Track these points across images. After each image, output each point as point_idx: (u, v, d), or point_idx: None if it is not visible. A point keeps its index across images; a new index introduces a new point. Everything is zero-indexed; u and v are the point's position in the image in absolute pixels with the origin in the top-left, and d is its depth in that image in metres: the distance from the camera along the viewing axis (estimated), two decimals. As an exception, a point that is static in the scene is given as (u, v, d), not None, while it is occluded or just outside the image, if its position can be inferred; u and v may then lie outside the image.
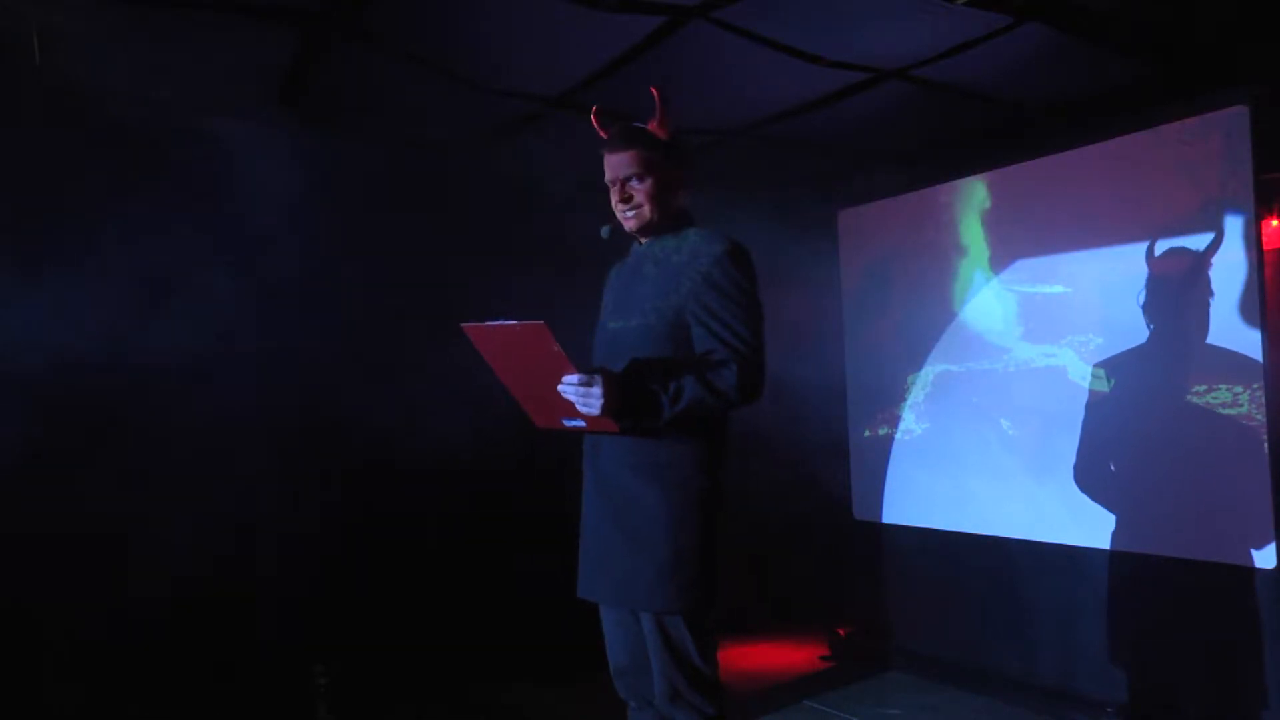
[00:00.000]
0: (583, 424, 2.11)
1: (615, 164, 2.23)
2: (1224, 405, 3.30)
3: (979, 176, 4.07)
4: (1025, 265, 3.92)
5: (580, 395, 2.03)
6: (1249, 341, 3.24)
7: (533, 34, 3.00)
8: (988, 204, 4.06)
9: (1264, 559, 3.19)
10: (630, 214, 2.23)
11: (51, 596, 3.27)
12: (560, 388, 2.04)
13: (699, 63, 3.21)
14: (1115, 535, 3.61)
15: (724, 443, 2.25)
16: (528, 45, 3.10)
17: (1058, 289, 3.80)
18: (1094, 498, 3.68)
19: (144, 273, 3.36)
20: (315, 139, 3.75)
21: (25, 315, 3.17)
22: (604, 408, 2.02)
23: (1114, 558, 3.61)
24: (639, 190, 2.21)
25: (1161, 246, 3.46)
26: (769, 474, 5.09)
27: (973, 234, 4.11)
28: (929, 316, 4.29)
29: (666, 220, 2.26)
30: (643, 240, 2.32)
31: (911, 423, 4.40)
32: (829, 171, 4.62)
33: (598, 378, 2.02)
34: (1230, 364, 3.28)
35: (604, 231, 2.32)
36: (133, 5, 2.71)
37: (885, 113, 3.72)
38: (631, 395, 2.06)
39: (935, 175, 4.25)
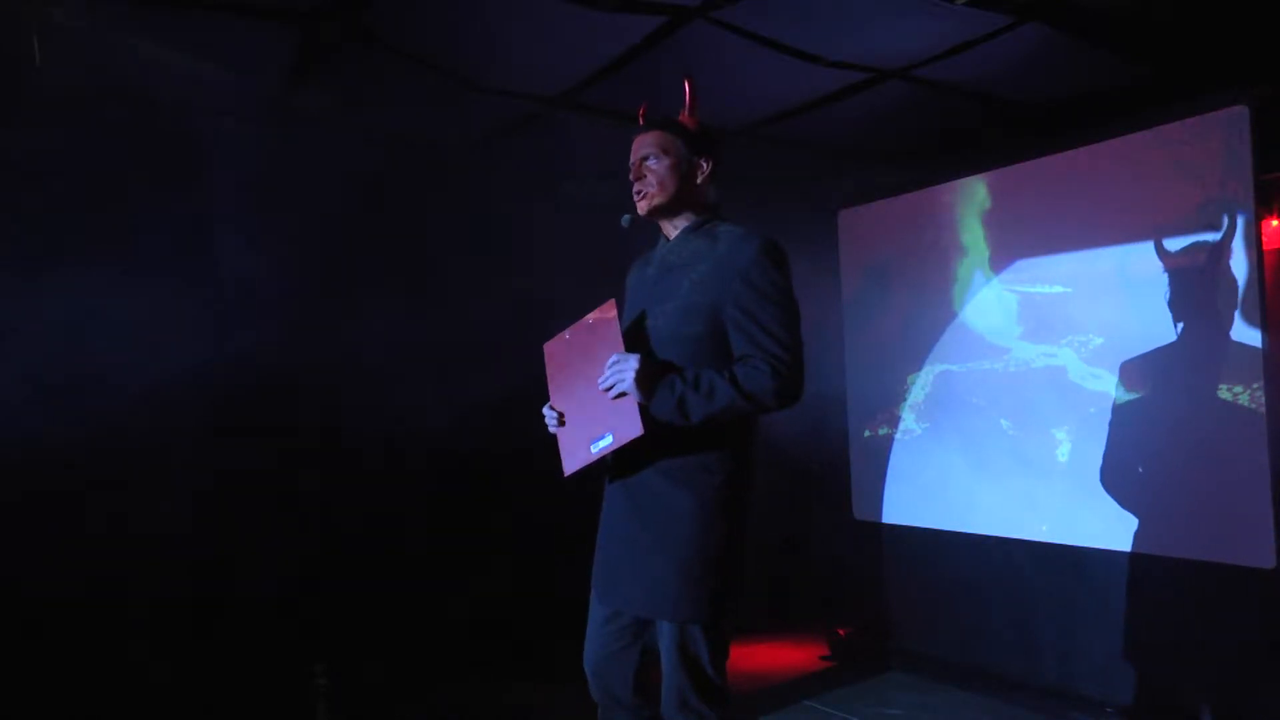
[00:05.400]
0: (610, 438, 2.06)
1: (636, 144, 2.21)
2: (1224, 405, 3.30)
3: (979, 176, 4.07)
4: (1025, 265, 3.91)
5: (616, 371, 2.03)
6: (1249, 341, 3.24)
7: (533, 34, 3.00)
8: (988, 204, 4.06)
9: (1264, 559, 3.18)
10: (642, 194, 2.20)
11: (49, 596, 3.27)
12: (601, 379, 2.05)
13: (699, 63, 3.21)
14: (1115, 535, 3.61)
15: (754, 448, 2.20)
16: (528, 45, 3.10)
17: (1058, 289, 3.80)
18: (1094, 497, 3.68)
19: (142, 272, 3.36)
20: (315, 138, 3.75)
21: (25, 316, 3.18)
22: (637, 374, 2.00)
23: (1114, 557, 3.61)
24: (652, 170, 2.18)
25: (1162, 247, 3.46)
26: (769, 474, 5.08)
27: (973, 234, 4.11)
28: (929, 316, 4.29)
29: (688, 211, 2.23)
30: (669, 235, 2.27)
31: (911, 423, 4.40)
32: (829, 171, 4.63)
33: (630, 354, 2.05)
34: (1230, 364, 3.28)
35: (624, 220, 2.28)
36: (133, 4, 2.71)
37: (885, 113, 3.72)
38: (664, 375, 2.04)
39: (935, 175, 4.25)
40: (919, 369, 4.35)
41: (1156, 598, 3.50)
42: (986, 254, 4.07)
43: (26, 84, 3.12)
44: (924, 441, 4.35)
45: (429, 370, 3.94)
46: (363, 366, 3.88)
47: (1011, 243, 3.97)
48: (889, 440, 4.50)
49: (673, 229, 2.26)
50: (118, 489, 3.37)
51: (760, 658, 4.64)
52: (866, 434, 4.62)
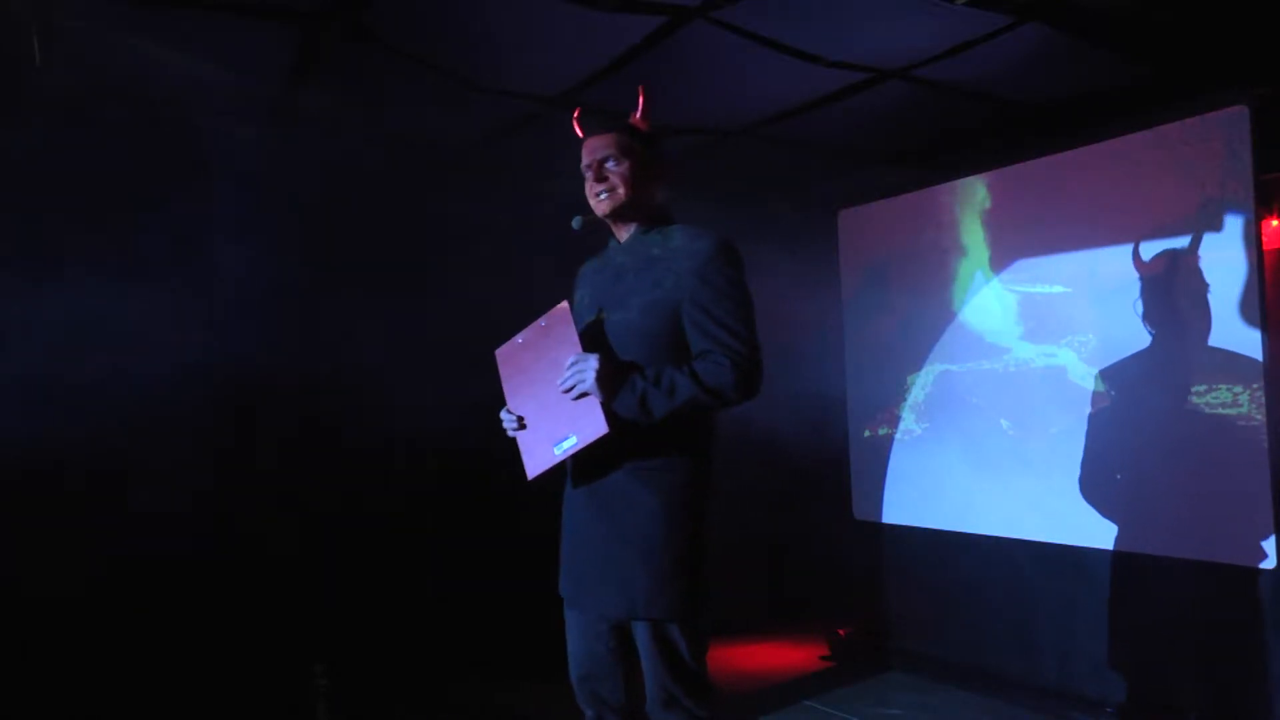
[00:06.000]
0: (574, 439, 2.07)
1: (593, 147, 2.22)
2: (1224, 405, 3.30)
3: (979, 176, 4.07)
4: (1025, 265, 3.92)
5: (576, 371, 2.05)
6: (1249, 341, 3.24)
7: (533, 34, 3.00)
8: (988, 204, 4.06)
9: (1264, 559, 3.19)
10: (604, 195, 2.20)
11: (49, 596, 3.27)
12: (561, 380, 2.07)
13: (699, 63, 3.21)
14: (1116, 535, 3.61)
15: (713, 443, 2.22)
16: (528, 45, 3.10)
17: (1058, 289, 3.80)
18: (1094, 498, 3.68)
19: (142, 272, 3.37)
20: (315, 138, 3.75)
21: (28, 316, 3.18)
22: (598, 373, 2.02)
23: (1114, 558, 3.61)
24: (615, 172, 2.19)
25: (1161, 246, 3.46)
26: (769, 474, 5.10)
27: (973, 234, 4.11)
28: (929, 316, 4.29)
29: (642, 212, 2.24)
30: (621, 237, 2.28)
31: (911, 423, 4.40)
32: (829, 171, 4.63)
33: (589, 354, 2.06)
34: (1230, 364, 3.28)
35: (575, 222, 2.30)
36: (133, 4, 2.71)
37: (885, 113, 3.72)
38: (624, 374, 2.06)
39: (935, 175, 4.25)
40: (919, 369, 4.35)
41: (1156, 598, 3.50)
42: (986, 254, 4.07)
43: (26, 84, 3.12)
44: (924, 441, 4.35)
45: (429, 370, 3.94)
46: (363, 366, 3.88)
47: (1011, 243, 3.97)
48: (889, 440, 4.50)
49: (625, 231, 2.28)
50: (117, 489, 3.37)
51: (760, 658, 4.64)
52: (866, 434, 4.62)
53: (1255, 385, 3.22)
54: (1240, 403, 3.26)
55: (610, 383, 2.04)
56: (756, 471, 5.08)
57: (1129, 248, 3.55)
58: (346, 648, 3.81)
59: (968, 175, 4.11)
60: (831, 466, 4.74)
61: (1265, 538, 3.18)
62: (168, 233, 3.46)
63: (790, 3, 2.78)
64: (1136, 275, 3.53)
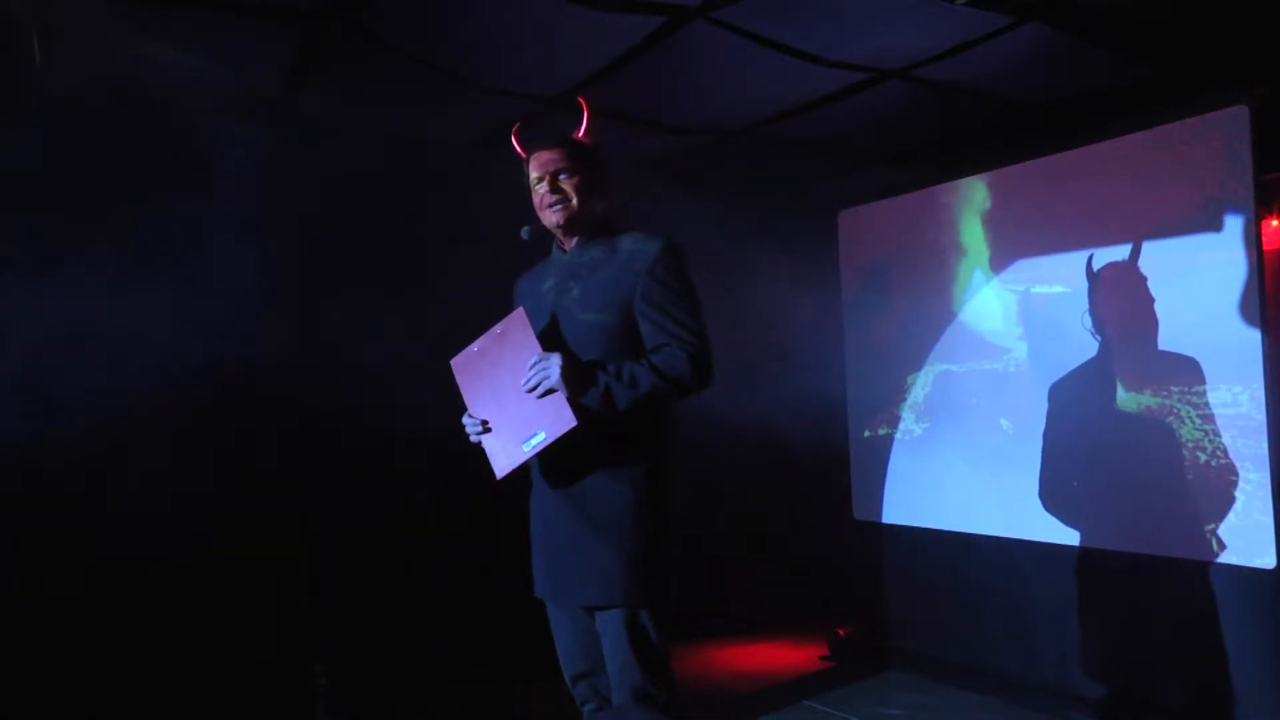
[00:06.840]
0: (543, 435, 2.12)
1: (545, 161, 2.28)
2: (1224, 405, 3.30)
3: (979, 176, 4.07)
4: (1025, 265, 3.92)
5: (539, 370, 2.12)
6: (1249, 341, 3.24)
7: (533, 34, 3.00)
8: (988, 204, 4.06)
9: (1264, 559, 3.19)
10: (558, 207, 2.27)
11: (48, 596, 3.27)
12: (524, 380, 2.13)
13: (699, 63, 3.21)
14: (1115, 535, 3.61)
15: (674, 436, 2.30)
16: (528, 45, 3.10)
17: (1058, 289, 3.80)
18: (1093, 498, 3.68)
19: (142, 272, 3.37)
20: (315, 138, 3.75)
21: (25, 317, 3.18)
22: (562, 369, 2.09)
23: (1114, 558, 3.61)
24: (568, 184, 2.27)
25: (1161, 246, 3.46)
26: (769, 474, 5.10)
27: (973, 234, 4.11)
28: (929, 316, 4.29)
29: (589, 223, 2.31)
30: (567, 247, 2.35)
31: (911, 423, 4.40)
32: (829, 171, 4.63)
33: (551, 353, 2.14)
34: (1230, 364, 3.28)
35: (524, 232, 2.36)
36: (133, 4, 2.71)
37: (885, 113, 3.72)
38: (587, 369, 2.13)
39: (935, 175, 4.25)
40: (919, 369, 4.35)
41: (1156, 598, 3.50)
42: (986, 254, 4.07)
43: (26, 84, 3.12)
44: (924, 441, 4.35)
45: (429, 370, 3.93)
46: (363, 366, 3.87)
47: (1011, 243, 3.97)
48: (889, 440, 4.50)
49: (571, 240, 2.34)
50: (117, 490, 3.37)
51: (760, 658, 4.64)
52: (866, 434, 4.62)
53: (1255, 385, 3.22)
54: (1240, 403, 3.26)
55: (574, 378, 2.11)
56: (757, 472, 5.08)
57: (1129, 248, 3.55)
58: (346, 648, 3.81)
59: (968, 175, 4.11)
60: (831, 466, 4.74)
61: (1265, 537, 3.18)
62: (167, 233, 3.46)
63: (790, 3, 2.79)
64: (1136, 275, 3.53)
